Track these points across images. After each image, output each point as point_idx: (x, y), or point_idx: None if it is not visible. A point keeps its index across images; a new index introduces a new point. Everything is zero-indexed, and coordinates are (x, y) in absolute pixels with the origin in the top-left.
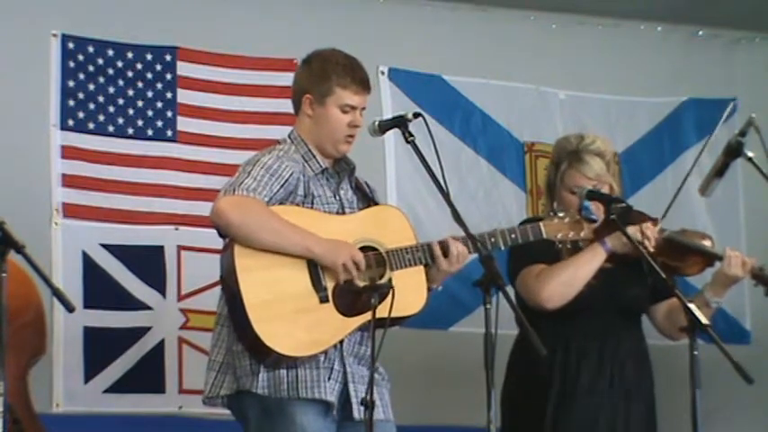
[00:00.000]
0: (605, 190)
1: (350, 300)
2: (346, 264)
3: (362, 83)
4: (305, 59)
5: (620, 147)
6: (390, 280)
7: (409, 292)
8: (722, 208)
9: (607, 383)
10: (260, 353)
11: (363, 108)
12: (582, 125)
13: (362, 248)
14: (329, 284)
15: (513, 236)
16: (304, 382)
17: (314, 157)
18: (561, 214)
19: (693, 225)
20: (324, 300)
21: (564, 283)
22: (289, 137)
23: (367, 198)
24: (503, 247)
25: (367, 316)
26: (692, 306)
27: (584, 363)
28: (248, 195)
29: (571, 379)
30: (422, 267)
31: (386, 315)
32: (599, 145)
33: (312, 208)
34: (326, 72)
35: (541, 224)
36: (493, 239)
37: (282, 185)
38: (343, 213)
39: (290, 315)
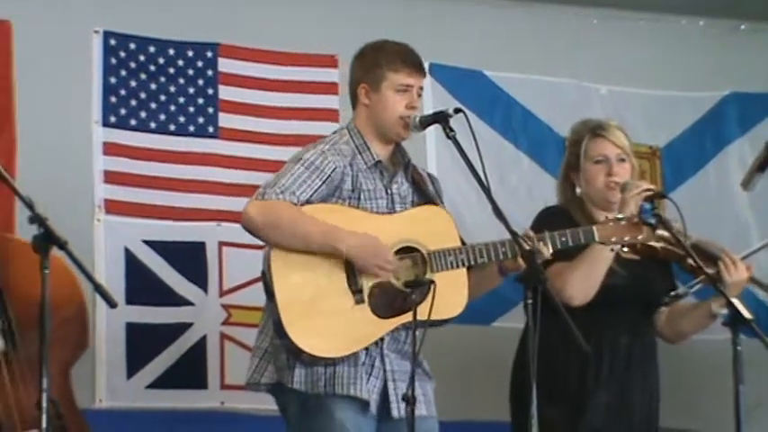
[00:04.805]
0: (628, 166)
1: (387, 301)
2: (381, 266)
3: (414, 65)
4: (358, 52)
5: (661, 142)
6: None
7: (450, 294)
8: (765, 202)
9: (628, 396)
10: (293, 351)
11: (421, 89)
12: (623, 120)
13: (403, 249)
14: (365, 285)
15: (563, 239)
16: (341, 379)
17: (368, 149)
18: (620, 217)
19: (736, 220)
20: (359, 301)
21: (583, 278)
22: (346, 128)
23: (423, 193)
24: (551, 250)
25: (402, 318)
26: (735, 301)
27: (609, 365)
28: (278, 198)
29: (586, 390)
30: (464, 270)
31: (425, 314)
32: (619, 124)
33: (358, 204)
34: (378, 60)
35: (594, 228)
36: (541, 242)
37: (324, 181)
38: (393, 209)
39: (324, 316)
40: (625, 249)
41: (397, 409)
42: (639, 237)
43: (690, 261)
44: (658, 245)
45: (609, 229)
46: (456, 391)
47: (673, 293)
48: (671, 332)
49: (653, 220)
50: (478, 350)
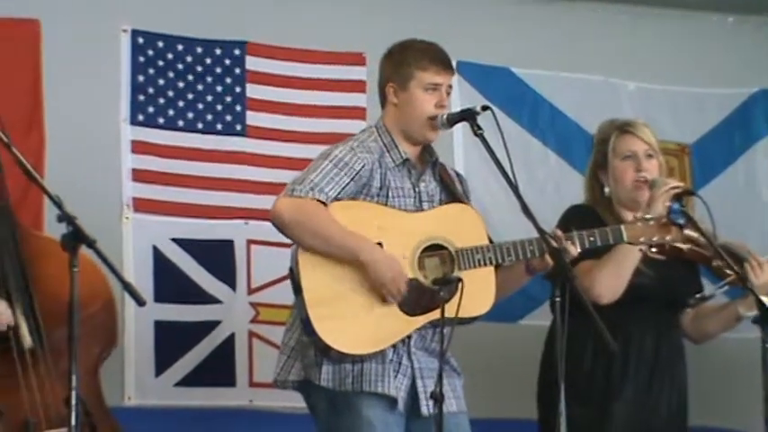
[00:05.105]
0: (655, 162)
1: (415, 298)
2: (390, 289)
3: (442, 62)
4: (386, 51)
5: (689, 138)
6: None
7: (477, 292)
8: None
9: (655, 395)
10: (321, 348)
11: (450, 87)
12: (651, 117)
13: (431, 247)
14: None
15: (591, 238)
16: (368, 376)
17: (396, 147)
18: (648, 216)
19: (764, 217)
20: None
21: (612, 276)
22: (374, 126)
23: (451, 191)
24: (579, 249)
25: (430, 316)
26: (765, 299)
27: (636, 364)
28: (307, 196)
29: (613, 389)
30: (492, 268)
31: (453, 311)
32: (646, 122)
33: (386, 202)
34: (405, 58)
35: (623, 227)
36: (569, 241)
37: (353, 178)
38: (421, 207)
39: (351, 313)
40: (653, 249)
41: (427, 407)
42: (667, 237)
43: (716, 263)
44: (685, 246)
45: (637, 229)
46: (483, 388)
47: (699, 296)
48: (695, 332)
49: (681, 221)
50: (505, 348)
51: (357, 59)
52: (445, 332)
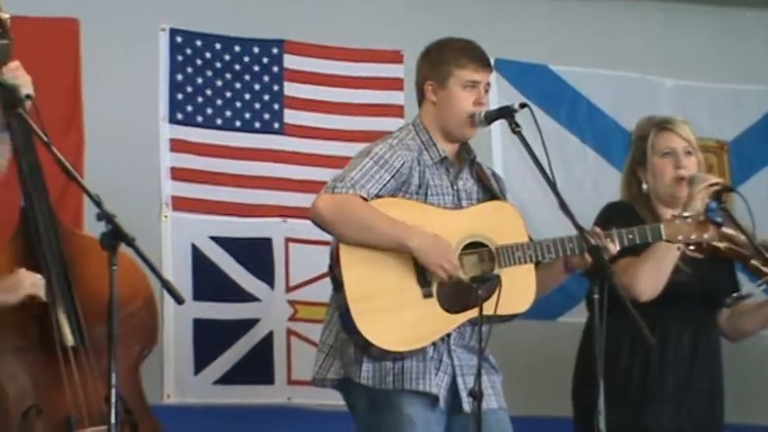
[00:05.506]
0: (694, 160)
1: (455, 295)
2: (443, 266)
3: (480, 60)
4: (423, 50)
5: (728, 136)
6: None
7: (517, 290)
8: None
9: (692, 392)
10: (361, 345)
11: (488, 85)
12: (689, 114)
13: (471, 244)
14: (434, 280)
15: (630, 236)
16: (410, 374)
17: (434, 145)
18: (686, 214)
19: None
20: (428, 295)
21: (652, 274)
22: (412, 124)
23: (488, 189)
24: (618, 247)
25: (470, 313)
26: None
27: (673, 361)
28: (347, 192)
29: (650, 387)
30: (532, 266)
31: (492, 309)
32: (684, 119)
33: (426, 199)
34: (444, 56)
35: (661, 225)
36: (608, 239)
37: (393, 176)
38: (459, 204)
39: (393, 309)
40: (690, 248)
41: (468, 404)
42: (705, 236)
43: (753, 261)
44: (722, 244)
45: (675, 227)
46: (521, 386)
47: (736, 295)
48: (732, 330)
49: (719, 220)
50: (543, 346)
51: (394, 57)
52: (484, 329)
